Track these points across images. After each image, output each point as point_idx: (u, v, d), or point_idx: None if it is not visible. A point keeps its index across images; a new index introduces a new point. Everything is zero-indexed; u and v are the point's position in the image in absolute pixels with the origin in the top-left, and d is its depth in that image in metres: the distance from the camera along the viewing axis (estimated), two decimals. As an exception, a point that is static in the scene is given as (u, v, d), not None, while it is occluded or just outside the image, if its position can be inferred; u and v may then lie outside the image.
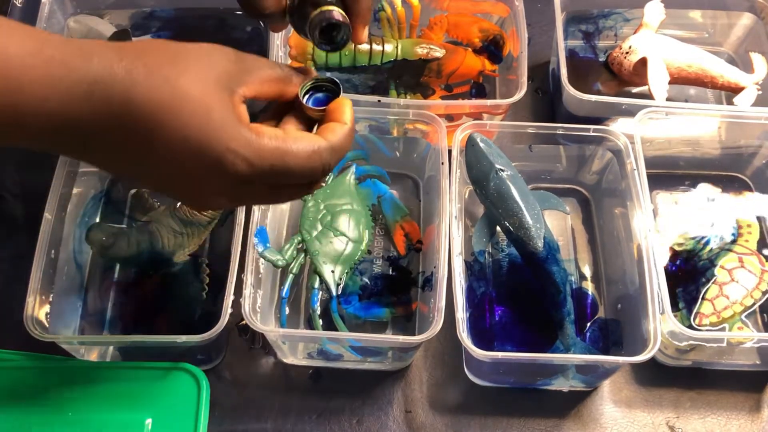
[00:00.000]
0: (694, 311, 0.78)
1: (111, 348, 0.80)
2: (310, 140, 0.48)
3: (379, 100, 0.82)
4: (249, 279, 0.73)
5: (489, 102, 0.90)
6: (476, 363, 0.75)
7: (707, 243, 0.85)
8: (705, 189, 0.91)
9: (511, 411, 0.79)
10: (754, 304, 0.79)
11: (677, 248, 0.84)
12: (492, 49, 0.94)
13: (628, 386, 0.81)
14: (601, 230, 0.89)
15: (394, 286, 0.83)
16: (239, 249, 0.74)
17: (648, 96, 0.89)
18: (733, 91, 0.93)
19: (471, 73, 0.93)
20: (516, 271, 0.83)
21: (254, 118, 0.48)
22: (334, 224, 0.82)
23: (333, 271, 0.80)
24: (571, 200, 0.91)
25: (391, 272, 0.85)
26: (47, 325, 0.74)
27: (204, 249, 0.85)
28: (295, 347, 0.80)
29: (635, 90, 0.97)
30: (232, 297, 0.71)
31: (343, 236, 0.82)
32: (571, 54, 0.98)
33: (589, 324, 0.81)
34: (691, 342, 0.75)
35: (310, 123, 0.52)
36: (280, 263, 0.78)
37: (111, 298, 0.83)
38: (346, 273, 0.81)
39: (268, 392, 0.80)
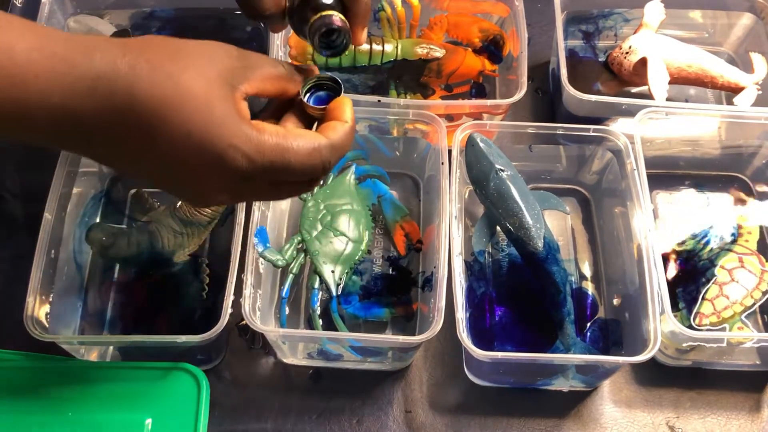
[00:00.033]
0: (694, 311, 0.78)
1: (111, 348, 0.80)
2: (311, 138, 0.48)
3: (379, 100, 0.83)
4: (249, 279, 0.73)
5: (489, 102, 0.90)
6: (476, 363, 0.75)
7: (707, 243, 0.85)
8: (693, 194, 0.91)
9: (511, 411, 0.79)
10: (754, 304, 0.79)
11: (677, 248, 0.84)
12: (492, 49, 0.94)
13: (628, 386, 0.81)
14: (601, 230, 0.89)
15: (394, 286, 0.83)
16: (239, 249, 0.74)
17: (648, 96, 0.89)
18: (733, 91, 0.93)
19: (471, 73, 0.93)
20: (516, 271, 0.83)
21: (254, 116, 0.48)
22: (334, 224, 0.82)
23: (333, 271, 0.80)
24: (571, 200, 0.91)
25: (391, 272, 0.85)
26: (47, 325, 0.74)
27: (204, 249, 0.85)
28: (295, 347, 0.80)
29: (635, 90, 0.97)
30: (232, 297, 0.71)
31: (343, 236, 0.82)
32: (571, 54, 0.98)
33: (589, 324, 0.81)
34: (691, 342, 0.75)
35: (310, 121, 0.52)
36: (280, 263, 0.78)
37: (111, 298, 0.83)
38: (346, 273, 0.81)
39: (268, 392, 0.80)
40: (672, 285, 0.80)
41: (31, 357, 0.75)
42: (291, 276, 0.80)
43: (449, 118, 0.89)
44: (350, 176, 0.86)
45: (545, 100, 1.00)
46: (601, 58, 0.98)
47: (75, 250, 0.82)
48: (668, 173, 0.92)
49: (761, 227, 0.87)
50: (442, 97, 0.93)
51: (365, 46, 0.87)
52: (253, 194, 0.52)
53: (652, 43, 0.92)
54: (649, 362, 0.77)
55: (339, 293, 0.80)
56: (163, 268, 0.82)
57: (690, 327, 0.76)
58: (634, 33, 0.94)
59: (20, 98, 0.42)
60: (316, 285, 0.79)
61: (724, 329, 0.79)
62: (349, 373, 0.81)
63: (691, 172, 0.93)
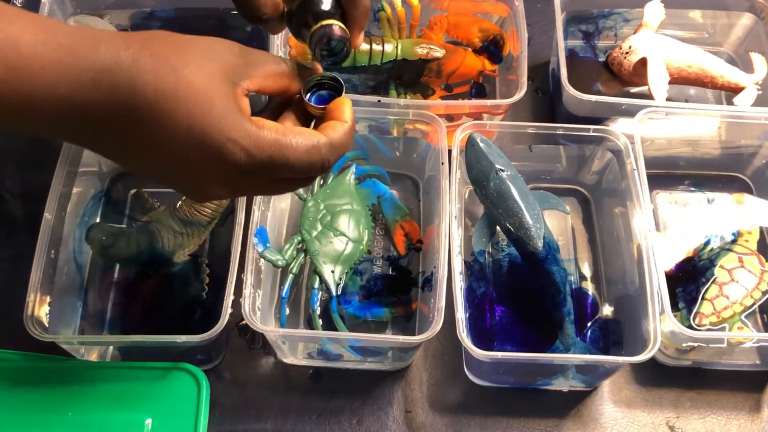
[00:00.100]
0: (694, 311, 0.78)
1: (111, 348, 0.80)
2: (310, 135, 0.49)
3: (379, 100, 0.83)
4: (249, 279, 0.73)
5: (489, 102, 0.90)
6: (476, 363, 0.75)
7: (707, 243, 0.85)
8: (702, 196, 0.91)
9: (511, 411, 0.79)
10: (754, 304, 0.79)
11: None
12: (492, 49, 0.94)
13: (628, 386, 0.81)
14: (601, 230, 0.89)
15: (394, 286, 0.83)
16: (239, 249, 0.74)
17: (648, 96, 0.89)
18: (733, 91, 0.93)
19: (471, 73, 0.93)
20: (516, 271, 0.83)
21: (255, 115, 0.49)
22: (334, 224, 0.82)
23: (333, 271, 0.80)
24: (571, 200, 0.91)
25: (391, 272, 0.85)
26: (47, 325, 0.74)
27: (204, 249, 0.85)
28: (295, 347, 0.80)
29: (635, 90, 0.97)
30: (232, 297, 0.71)
31: (343, 236, 0.82)
32: (571, 54, 0.98)
33: (589, 324, 0.81)
34: (691, 342, 0.75)
35: (309, 120, 0.53)
36: (280, 263, 0.78)
37: (111, 298, 0.83)
38: (346, 273, 0.81)
39: (268, 392, 0.80)
40: (672, 285, 0.80)
41: (31, 357, 0.75)
42: (291, 276, 0.80)
43: (449, 118, 0.89)
44: (350, 176, 0.86)
45: (545, 100, 1.00)
46: (601, 58, 0.98)
47: (75, 250, 0.82)
48: (668, 173, 0.92)
49: (761, 227, 0.87)
50: (442, 97, 0.93)
51: (365, 46, 0.87)
52: (252, 189, 0.53)
53: (652, 43, 0.92)
54: (649, 362, 0.77)
55: (339, 293, 0.80)
56: (163, 268, 0.82)
57: (690, 327, 0.76)
58: (634, 33, 0.94)
59: (26, 90, 0.42)
60: (316, 285, 0.79)
61: (724, 329, 0.79)
62: (349, 373, 0.81)
63: (691, 172, 0.93)
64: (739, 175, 0.93)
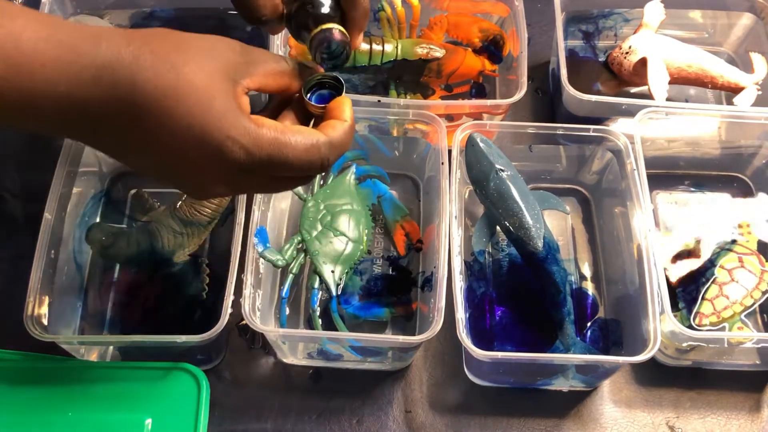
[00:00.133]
0: (694, 311, 0.78)
1: (111, 348, 0.80)
2: (309, 134, 0.49)
3: (379, 100, 0.83)
4: (249, 279, 0.73)
5: (489, 102, 0.90)
6: (476, 363, 0.75)
7: (707, 243, 0.85)
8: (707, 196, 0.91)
9: (511, 411, 0.79)
10: (754, 304, 0.79)
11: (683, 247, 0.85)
12: (492, 49, 0.94)
13: (628, 386, 0.81)
14: (601, 230, 0.89)
15: (394, 286, 0.83)
16: (239, 249, 0.74)
17: (648, 96, 0.89)
18: (733, 91, 0.93)
19: (471, 73, 0.93)
20: (516, 271, 0.83)
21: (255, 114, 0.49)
22: (334, 224, 0.82)
23: (333, 271, 0.80)
24: (571, 200, 0.91)
25: (391, 272, 0.85)
26: (47, 325, 0.74)
27: (204, 249, 0.85)
28: (295, 347, 0.80)
29: (635, 90, 0.97)
30: (232, 297, 0.71)
31: (343, 236, 0.82)
32: (571, 54, 0.98)
33: (589, 324, 0.81)
34: (691, 342, 0.75)
35: (309, 119, 0.53)
36: (280, 263, 0.78)
37: (111, 298, 0.83)
38: (346, 273, 0.81)
39: (268, 392, 0.80)
40: (672, 285, 0.80)
41: (31, 357, 0.75)
42: (291, 276, 0.80)
43: (449, 118, 0.89)
44: (350, 176, 0.86)
45: (545, 100, 1.00)
46: (601, 58, 0.98)
47: (75, 250, 0.82)
48: (668, 173, 0.92)
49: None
50: (442, 97, 0.93)
51: (365, 46, 0.87)
52: (252, 187, 0.53)
53: (652, 43, 0.92)
54: (649, 362, 0.77)
55: (339, 293, 0.80)
56: (163, 268, 0.82)
57: (690, 327, 0.76)
58: (634, 33, 0.94)
59: (27, 87, 0.42)
60: (316, 285, 0.79)
61: (724, 329, 0.79)
62: (349, 373, 0.81)
63: (691, 172, 0.93)
64: (739, 175, 0.93)
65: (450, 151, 0.80)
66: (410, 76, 0.91)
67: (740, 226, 0.86)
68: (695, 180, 0.92)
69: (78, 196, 0.83)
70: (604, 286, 0.85)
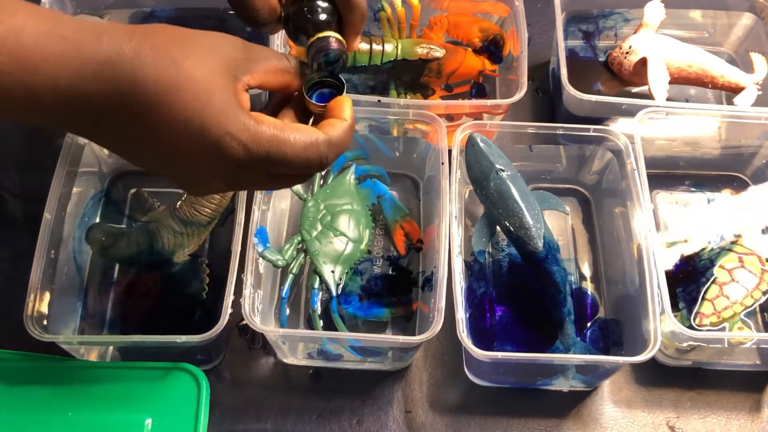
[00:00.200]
0: (694, 311, 0.78)
1: (111, 348, 0.80)
2: (309, 132, 0.49)
3: (379, 100, 0.83)
4: (249, 279, 0.73)
5: (489, 102, 0.90)
6: (476, 363, 0.75)
7: (707, 243, 0.85)
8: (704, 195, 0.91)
9: (511, 411, 0.79)
10: (754, 304, 0.79)
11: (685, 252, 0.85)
12: (492, 49, 0.94)
13: (628, 386, 0.81)
14: (601, 230, 0.89)
15: (394, 286, 0.83)
16: (239, 249, 0.74)
17: (648, 96, 0.89)
18: (734, 91, 0.93)
19: (471, 73, 0.93)
20: (516, 271, 0.83)
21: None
22: (334, 224, 0.82)
23: (333, 271, 0.80)
24: (571, 200, 0.91)
25: (391, 272, 0.85)
26: (47, 325, 0.74)
27: (204, 249, 0.85)
28: (295, 347, 0.80)
29: (635, 90, 0.97)
30: (232, 297, 0.71)
31: (343, 236, 0.82)
32: (571, 54, 0.98)
33: (589, 324, 0.81)
34: (691, 342, 0.75)
35: (308, 118, 0.53)
36: (280, 263, 0.78)
37: (111, 298, 0.83)
38: (346, 273, 0.81)
39: (268, 392, 0.80)
40: (672, 285, 0.80)
41: (31, 357, 0.75)
42: (291, 276, 0.80)
43: (449, 118, 0.89)
44: (350, 176, 0.86)
45: (545, 100, 1.00)
46: (601, 58, 0.98)
47: (75, 250, 0.82)
48: (668, 173, 0.92)
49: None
50: (442, 97, 0.93)
51: (365, 46, 0.87)
52: (250, 184, 0.53)
53: (652, 43, 0.92)
54: (649, 362, 0.77)
55: (339, 293, 0.80)
56: (163, 268, 0.82)
57: (690, 327, 0.76)
58: (634, 33, 0.94)
59: (29, 81, 0.42)
60: (316, 285, 0.79)
61: (724, 329, 0.78)
62: (349, 373, 0.81)
63: (691, 172, 0.93)
64: (739, 175, 0.93)
65: (450, 151, 0.80)
66: (410, 76, 0.91)
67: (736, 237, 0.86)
68: (695, 180, 0.92)
69: (78, 196, 0.83)
70: (604, 286, 0.85)
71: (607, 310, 0.83)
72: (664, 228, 0.88)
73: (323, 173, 0.86)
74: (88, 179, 0.86)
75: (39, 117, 0.45)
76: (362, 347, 0.77)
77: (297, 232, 0.82)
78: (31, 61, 0.42)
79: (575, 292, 0.82)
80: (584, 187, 0.92)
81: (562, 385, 0.80)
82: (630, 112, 0.84)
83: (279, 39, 0.85)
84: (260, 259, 0.76)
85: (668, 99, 0.89)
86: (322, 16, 0.52)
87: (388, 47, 0.88)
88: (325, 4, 0.52)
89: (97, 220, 0.86)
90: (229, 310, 0.71)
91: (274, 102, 0.53)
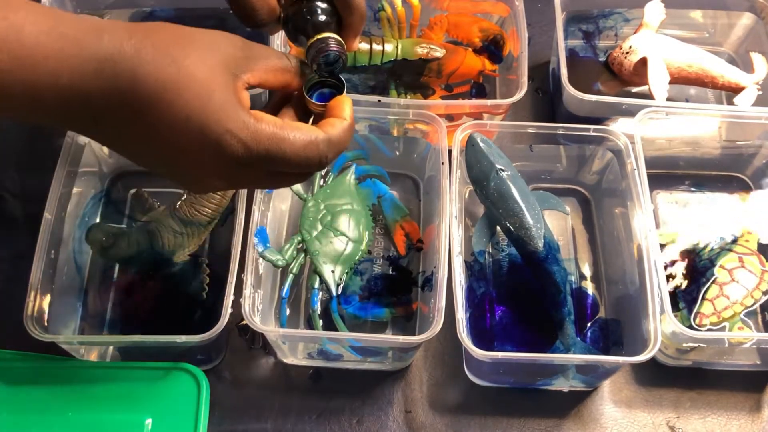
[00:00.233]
0: (695, 311, 0.78)
1: (111, 348, 0.80)
2: (308, 130, 0.49)
3: (379, 100, 0.83)
4: (249, 279, 0.73)
5: (489, 102, 0.90)
6: (476, 363, 0.75)
7: (707, 243, 0.85)
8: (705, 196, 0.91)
9: (511, 411, 0.79)
10: (754, 304, 0.79)
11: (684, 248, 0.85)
12: (492, 49, 0.94)
13: (628, 386, 0.81)
14: (601, 230, 0.89)
15: (394, 286, 0.83)
16: (239, 249, 0.74)
17: (648, 96, 0.89)
18: (734, 91, 0.93)
19: (471, 73, 0.93)
20: (516, 271, 0.83)
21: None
22: (334, 224, 0.82)
23: (333, 271, 0.80)
24: (571, 200, 0.91)
25: (391, 272, 0.85)
26: (47, 325, 0.74)
27: (204, 249, 0.85)
28: (295, 347, 0.80)
29: (635, 90, 0.97)
30: (232, 297, 0.71)
31: (343, 236, 0.81)
32: (571, 54, 0.98)
33: (589, 324, 0.81)
34: (692, 342, 0.75)
35: (308, 117, 0.53)
36: (280, 263, 0.78)
37: (111, 299, 0.83)
38: (346, 273, 0.81)
39: (268, 392, 0.80)
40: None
41: (31, 357, 0.75)
42: (291, 276, 0.80)
43: (449, 118, 0.89)
44: (350, 176, 0.86)
45: (545, 100, 1.00)
46: (601, 58, 0.98)
47: (75, 250, 0.82)
48: (668, 173, 0.92)
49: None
50: (442, 97, 0.93)
51: (365, 46, 0.87)
52: (249, 182, 0.53)
53: (653, 43, 0.92)
54: (649, 362, 0.77)
55: (339, 293, 0.80)
56: (163, 268, 0.82)
57: (690, 327, 0.76)
58: (635, 33, 0.94)
59: (30, 79, 0.43)
60: (316, 285, 0.79)
61: (724, 329, 0.79)
62: (349, 373, 0.81)
63: (691, 172, 0.93)
64: (739, 175, 0.93)
65: (450, 151, 0.80)
66: (410, 76, 0.91)
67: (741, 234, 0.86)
68: (695, 180, 0.92)
69: (78, 196, 0.83)
70: (604, 286, 0.85)
71: (607, 310, 0.83)
72: (664, 227, 0.88)
73: (323, 173, 0.86)
74: (88, 179, 0.86)
75: (39, 115, 0.45)
76: (362, 347, 0.77)
77: (297, 232, 0.82)
78: (32, 59, 0.42)
79: (575, 292, 0.82)
80: (584, 187, 0.92)
81: (562, 385, 0.80)
82: (630, 112, 0.84)
83: (279, 39, 0.85)
84: (260, 259, 0.76)
85: (668, 99, 0.89)
86: (322, 17, 0.52)
87: (388, 47, 0.88)
88: (324, 5, 0.52)
89: (97, 220, 0.86)
90: (229, 310, 0.71)
91: (274, 101, 0.53)
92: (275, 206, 0.84)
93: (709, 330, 0.77)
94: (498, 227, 0.82)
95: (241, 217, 0.76)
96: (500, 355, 0.71)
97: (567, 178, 0.92)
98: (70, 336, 0.79)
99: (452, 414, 0.79)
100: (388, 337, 0.78)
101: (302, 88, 0.52)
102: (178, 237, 0.82)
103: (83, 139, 0.82)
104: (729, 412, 0.79)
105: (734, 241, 0.84)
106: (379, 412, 0.79)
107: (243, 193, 0.78)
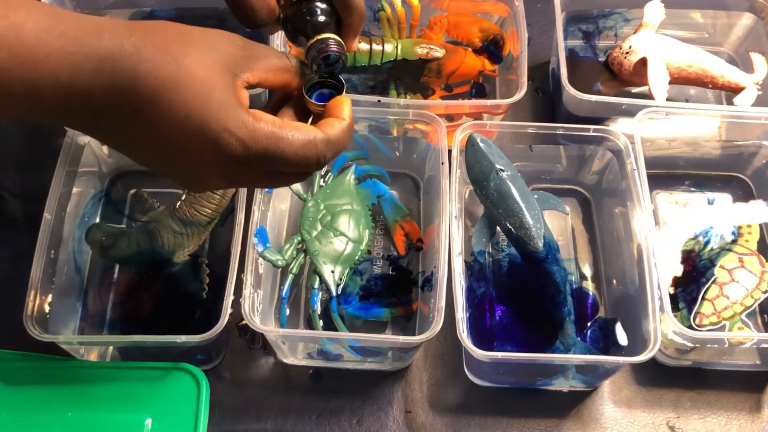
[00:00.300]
0: (695, 311, 0.78)
1: (111, 348, 0.80)
2: (307, 130, 0.49)
3: (379, 100, 0.83)
4: (249, 279, 0.73)
5: (489, 102, 0.90)
6: (476, 363, 0.75)
7: (707, 243, 0.85)
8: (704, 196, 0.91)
9: (511, 411, 0.79)
10: (754, 304, 0.79)
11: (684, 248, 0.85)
12: (492, 49, 0.94)
13: (628, 386, 0.81)
14: (601, 230, 0.89)
15: (394, 286, 0.83)
16: (239, 249, 0.74)
17: (648, 96, 0.89)
18: (734, 91, 0.93)
19: (471, 73, 0.93)
20: (516, 271, 0.83)
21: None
22: (334, 224, 0.82)
23: (333, 271, 0.80)
24: (571, 200, 0.91)
25: (391, 272, 0.85)
26: (47, 325, 0.74)
27: (204, 249, 0.85)
28: (295, 347, 0.80)
29: (635, 90, 0.97)
30: (232, 297, 0.71)
31: (343, 236, 0.82)
32: (571, 54, 0.98)
33: (589, 324, 0.81)
34: (692, 342, 0.75)
35: (307, 117, 0.53)
36: (280, 263, 0.78)
37: (111, 299, 0.83)
38: (346, 273, 0.81)
39: (268, 392, 0.80)
40: (672, 285, 0.80)
41: (31, 357, 0.75)
42: (291, 276, 0.80)
43: (449, 118, 0.89)
44: (350, 176, 0.86)
45: (545, 100, 1.00)
46: (601, 58, 0.98)
47: (75, 250, 0.82)
48: (668, 173, 0.92)
49: (761, 227, 0.87)
50: (442, 97, 0.93)
51: (365, 46, 0.87)
52: (248, 181, 0.53)
53: (652, 43, 0.92)
54: (649, 362, 0.77)
55: (339, 293, 0.80)
56: (163, 268, 0.82)
57: (690, 327, 0.76)
58: (634, 33, 0.94)
59: (30, 77, 0.43)
60: (316, 285, 0.79)
61: (724, 329, 0.79)
62: (349, 373, 0.81)
63: (691, 172, 0.93)
64: (739, 175, 0.93)
65: (450, 151, 0.80)
66: (410, 76, 0.91)
67: (740, 227, 0.86)
68: (695, 180, 0.92)
69: (78, 196, 0.83)
70: (604, 286, 0.85)
71: (607, 310, 0.83)
72: (663, 227, 0.88)
73: (323, 173, 0.86)
74: (88, 179, 0.86)
75: (39, 113, 0.45)
76: (362, 347, 0.77)
77: (297, 232, 0.82)
78: (32, 57, 0.42)
79: (575, 292, 0.82)
80: (584, 187, 0.92)
81: (562, 385, 0.80)
82: (630, 112, 0.84)
83: (279, 39, 0.85)
84: (260, 259, 0.76)
85: (668, 99, 0.89)
86: (321, 18, 0.52)
87: (388, 47, 0.88)
88: (323, 6, 0.52)
89: (97, 220, 0.86)
90: (229, 310, 0.71)
91: (273, 101, 0.54)
92: (275, 206, 0.84)
93: (709, 330, 0.77)
94: (498, 227, 0.82)
95: (241, 217, 0.76)
96: (500, 355, 0.71)
97: (567, 178, 0.92)
98: (70, 336, 0.79)
99: (452, 414, 0.79)
100: (388, 337, 0.78)
101: (302, 88, 0.52)
102: (177, 237, 0.82)
103: (83, 139, 0.82)
104: (729, 412, 0.79)
105: (734, 241, 0.84)
106: (379, 412, 0.79)
107: (243, 193, 0.78)
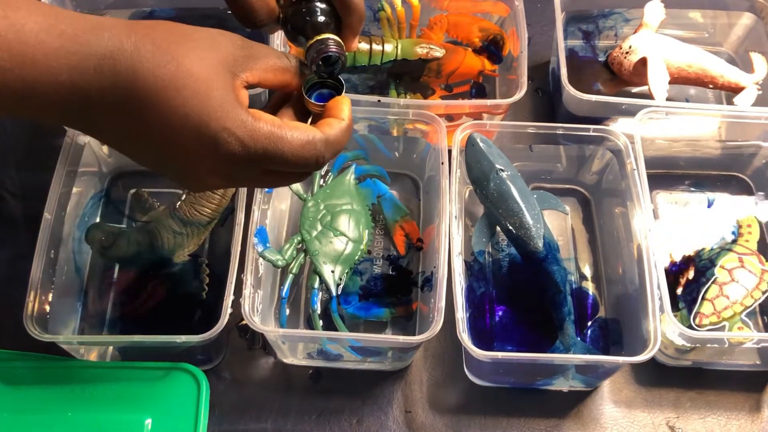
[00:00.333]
0: (694, 311, 0.78)
1: (111, 348, 0.80)
2: (306, 130, 0.49)
3: (379, 100, 0.83)
4: (249, 279, 0.73)
5: (489, 102, 0.90)
6: (476, 363, 0.75)
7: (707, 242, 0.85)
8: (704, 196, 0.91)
9: (511, 411, 0.79)
10: (754, 303, 0.79)
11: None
12: (492, 49, 0.94)
13: (628, 386, 0.81)
14: (601, 230, 0.89)
15: (394, 286, 0.83)
16: (239, 249, 0.74)
17: (648, 96, 0.89)
18: (734, 91, 0.93)
19: (471, 73, 0.93)
20: (516, 271, 0.83)
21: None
22: (334, 224, 0.82)
23: (333, 271, 0.80)
24: (571, 200, 0.91)
25: (391, 272, 0.85)
26: (47, 325, 0.74)
27: (204, 249, 0.85)
28: (295, 347, 0.80)
29: (635, 90, 0.97)
30: (232, 297, 0.71)
31: (343, 236, 0.81)
32: (571, 54, 0.98)
33: (589, 324, 0.81)
34: (692, 343, 0.75)
35: (307, 117, 0.53)
36: (280, 263, 0.78)
37: (111, 298, 0.83)
38: (346, 273, 0.81)
39: (268, 392, 0.80)
40: (672, 285, 0.80)
41: (31, 357, 0.75)
42: (291, 276, 0.80)
43: (449, 118, 0.89)
44: (350, 176, 0.86)
45: (545, 100, 1.00)
46: (601, 58, 0.98)
47: (75, 250, 0.82)
48: (668, 173, 0.92)
49: (761, 227, 0.87)
50: (442, 97, 0.93)
51: (365, 46, 0.87)
52: (247, 180, 0.53)
53: (652, 43, 0.92)
54: (649, 362, 0.77)
55: (339, 293, 0.80)
56: (163, 268, 0.82)
57: (690, 327, 0.76)
58: (634, 33, 0.94)
59: (30, 77, 0.43)
60: (316, 285, 0.79)
61: (724, 329, 0.78)
62: (349, 373, 0.81)
63: (691, 172, 0.93)
64: (739, 175, 0.93)
65: (450, 151, 0.80)
66: (410, 76, 0.91)
67: (740, 226, 0.86)
68: (695, 180, 0.92)
69: (78, 196, 0.83)
70: (604, 285, 0.85)
71: (607, 310, 0.83)
72: (663, 227, 0.88)
73: (323, 173, 0.86)
74: (88, 179, 0.86)
75: (38, 111, 0.45)
76: (362, 347, 0.77)
77: (297, 232, 0.82)
78: (32, 56, 0.43)
79: (575, 292, 0.82)
80: (584, 187, 0.92)
81: (562, 385, 0.80)
82: (630, 112, 0.84)
83: (279, 38, 0.85)
84: (260, 259, 0.76)
85: (668, 99, 0.89)
86: (321, 18, 0.52)
87: (388, 47, 0.88)
88: (323, 6, 0.52)
89: (97, 220, 0.86)
90: (229, 310, 0.71)
91: (273, 100, 0.54)
92: (275, 206, 0.84)
93: (709, 330, 0.77)
94: (498, 227, 0.82)
95: (240, 217, 0.76)
96: (500, 355, 0.71)
97: (567, 178, 0.92)
98: (70, 336, 0.79)
99: (452, 414, 0.79)
100: (388, 337, 0.78)
101: (301, 88, 0.52)
102: (177, 237, 0.82)
103: (83, 139, 0.82)
104: (729, 412, 0.79)
105: (734, 241, 0.84)
106: (379, 412, 0.79)
107: (243, 193, 0.78)
